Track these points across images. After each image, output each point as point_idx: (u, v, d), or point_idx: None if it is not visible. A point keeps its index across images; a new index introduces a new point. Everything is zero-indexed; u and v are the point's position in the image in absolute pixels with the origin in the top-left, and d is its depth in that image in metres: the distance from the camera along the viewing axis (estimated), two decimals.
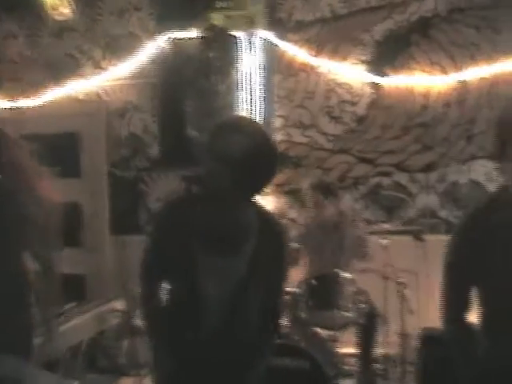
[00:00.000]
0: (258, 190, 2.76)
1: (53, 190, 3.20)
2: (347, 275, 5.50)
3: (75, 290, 6.81)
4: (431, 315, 5.79)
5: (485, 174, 6.61)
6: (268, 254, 2.90)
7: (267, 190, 7.10)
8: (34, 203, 3.00)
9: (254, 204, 2.94)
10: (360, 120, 7.06)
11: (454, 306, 2.84)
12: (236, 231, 2.87)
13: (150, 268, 3.09)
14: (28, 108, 7.72)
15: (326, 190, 6.08)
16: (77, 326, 4.79)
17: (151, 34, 7.46)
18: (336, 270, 5.60)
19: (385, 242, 5.97)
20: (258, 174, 2.71)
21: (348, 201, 6.96)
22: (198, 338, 2.93)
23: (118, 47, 7.65)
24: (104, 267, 7.30)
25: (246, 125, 2.81)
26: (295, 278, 5.38)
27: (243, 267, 2.88)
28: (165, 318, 3.07)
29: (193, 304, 2.93)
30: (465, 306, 2.81)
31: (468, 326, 2.82)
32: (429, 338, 5.36)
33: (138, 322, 5.88)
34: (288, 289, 5.18)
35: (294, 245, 5.95)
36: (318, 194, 6.09)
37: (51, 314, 3.41)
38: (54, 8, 7.36)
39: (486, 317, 2.76)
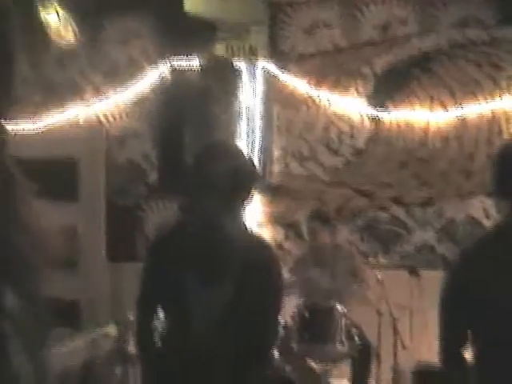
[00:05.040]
0: (240, 210, 2.86)
1: (45, 215, 3.17)
2: (341, 308, 5.48)
3: (69, 314, 6.80)
4: (424, 351, 5.79)
5: (483, 210, 6.61)
6: (258, 281, 2.90)
7: (263, 220, 7.04)
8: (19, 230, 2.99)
9: (244, 229, 2.99)
10: (359, 153, 7.08)
11: (451, 341, 2.84)
12: (221, 255, 2.88)
13: (145, 298, 3.11)
14: (28, 131, 7.72)
15: (323, 220, 6.08)
16: (69, 350, 4.76)
17: (153, 62, 7.49)
18: (330, 302, 5.59)
19: (380, 275, 5.95)
20: (238, 196, 2.81)
21: (345, 233, 6.95)
22: (187, 363, 2.93)
23: (120, 73, 7.68)
24: (99, 293, 7.27)
25: (224, 150, 2.94)
26: (288, 309, 5.37)
27: (232, 293, 2.89)
28: (157, 345, 3.08)
29: (183, 331, 2.94)
30: (461, 342, 2.80)
31: (464, 362, 2.82)
32: (423, 373, 5.33)
33: (131, 348, 5.85)
34: (281, 320, 5.16)
35: (288, 275, 5.94)
36: (315, 223, 6.08)
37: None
38: (58, 32, 7.38)
39: (478, 355, 2.75)
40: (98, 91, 7.75)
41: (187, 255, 2.89)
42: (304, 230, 6.31)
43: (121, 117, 7.67)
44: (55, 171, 7.42)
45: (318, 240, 6.08)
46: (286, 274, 5.92)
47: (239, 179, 2.81)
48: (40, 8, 7.20)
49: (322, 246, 6.07)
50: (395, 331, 5.77)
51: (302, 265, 6.19)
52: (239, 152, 3.09)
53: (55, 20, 7.26)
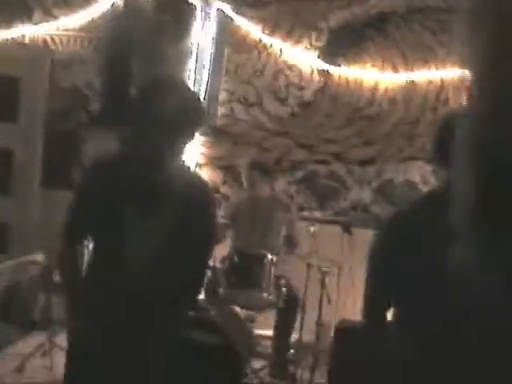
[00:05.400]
0: (182, 147, 2.83)
1: None
2: (271, 257, 5.51)
3: None
4: (349, 307, 5.88)
5: (421, 175, 6.68)
6: (193, 220, 2.90)
7: (203, 162, 6.99)
8: None
9: (183, 166, 2.97)
10: (305, 105, 7.06)
11: (374, 303, 2.86)
12: (161, 191, 2.86)
13: (73, 225, 3.05)
14: None
15: (262, 170, 6.07)
16: None
17: None
18: (261, 250, 5.61)
19: (313, 229, 5.98)
20: (182, 132, 2.78)
21: (283, 184, 6.97)
22: (114, 296, 2.91)
23: None
24: (30, 218, 7.17)
25: (171, 84, 2.90)
26: (219, 253, 5.37)
27: (167, 228, 2.87)
28: (83, 276, 3.05)
29: (114, 262, 2.91)
30: (384, 305, 2.82)
31: (384, 325, 2.84)
32: (344, 330, 5.40)
33: (56, 277, 5.80)
34: (210, 263, 5.16)
35: (223, 219, 5.95)
36: (254, 172, 6.07)
37: None
38: None
39: (399, 317, 2.78)
40: (47, 12, 7.55)
41: (125, 187, 2.85)
42: (243, 177, 6.29)
43: (68, 41, 7.49)
44: None
45: (255, 189, 6.08)
46: (220, 217, 5.95)
47: (185, 115, 2.79)
48: None
49: (258, 195, 6.08)
50: (322, 285, 5.82)
51: (238, 210, 6.19)
52: (187, 88, 3.07)
53: None
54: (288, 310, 5.77)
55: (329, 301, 5.87)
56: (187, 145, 2.88)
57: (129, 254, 2.88)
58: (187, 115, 2.80)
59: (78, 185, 3.12)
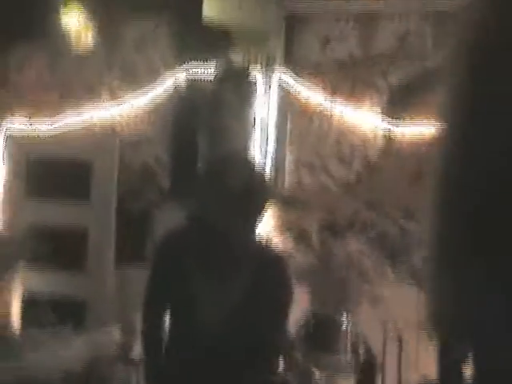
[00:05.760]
0: (252, 221, 2.86)
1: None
2: (348, 319, 5.46)
3: (74, 314, 6.82)
4: (429, 365, 5.75)
5: None
6: (267, 286, 2.93)
7: (274, 230, 7.02)
8: None
9: (256, 236, 3.01)
10: (370, 166, 7.07)
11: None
12: (232, 258, 2.90)
13: (153, 297, 3.12)
14: (43, 131, 7.79)
15: (333, 231, 6.08)
16: (73, 350, 4.77)
17: (170, 67, 7.53)
18: (338, 311, 5.57)
19: (388, 287, 5.93)
20: (251, 207, 2.82)
21: (355, 244, 6.94)
22: (193, 363, 2.94)
23: (136, 78, 7.72)
24: (106, 295, 7.29)
25: (239, 160, 2.97)
26: (295, 316, 5.35)
27: (240, 294, 2.90)
28: (163, 345, 3.09)
29: (192, 329, 2.95)
30: None
31: None
32: None
33: (135, 351, 5.86)
34: (286, 326, 5.14)
35: (297, 283, 5.94)
36: (325, 234, 6.09)
37: None
38: (77, 35, 7.45)
39: None
40: (114, 95, 7.80)
41: (197, 256, 2.91)
42: (314, 240, 6.30)
43: (135, 121, 7.70)
44: (69, 172, 7.49)
45: (328, 250, 6.09)
46: (294, 282, 5.94)
47: (251, 190, 2.84)
48: (61, 9, 7.28)
49: (331, 257, 6.08)
50: (400, 345, 5.73)
51: (311, 274, 6.19)
52: (252, 162, 3.13)
53: (75, 22, 7.33)
54: (367, 371, 5.69)
55: (408, 361, 5.77)
56: (258, 218, 2.93)
57: (206, 320, 2.93)
58: (253, 190, 2.86)
59: (152, 255, 3.20)
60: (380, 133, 7.04)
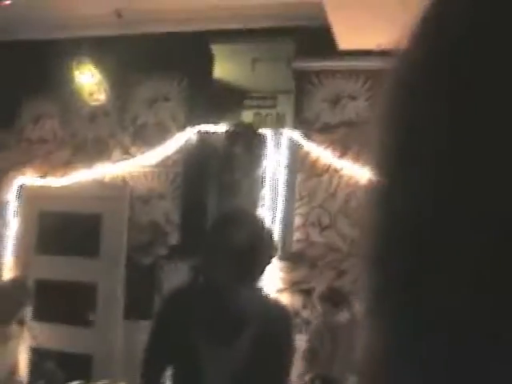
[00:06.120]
0: (256, 277, 2.88)
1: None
2: (353, 380, 5.43)
3: (82, 369, 6.82)
4: None
5: None
6: (270, 345, 2.93)
7: (282, 288, 7.02)
8: None
9: (259, 293, 3.02)
10: None
11: None
12: (236, 317, 2.91)
13: (153, 354, 3.12)
14: (55, 186, 7.87)
15: (338, 297, 6.07)
16: None
17: (180, 125, 7.63)
18: (343, 373, 5.54)
19: None
20: (255, 263, 2.84)
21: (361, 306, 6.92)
22: None
23: (147, 135, 7.82)
24: (113, 350, 7.29)
25: (243, 217, 2.99)
26: (301, 377, 5.34)
27: (244, 355, 2.90)
28: None
29: None
30: None
31: None
32: None
33: None
34: None
35: (302, 342, 5.92)
36: (329, 301, 6.08)
37: None
38: (90, 93, 7.56)
39: None
40: (125, 152, 7.88)
41: (201, 315, 2.92)
42: (321, 298, 6.29)
43: (146, 177, 7.78)
44: (79, 227, 7.56)
45: (332, 317, 6.07)
46: (302, 342, 5.92)
47: (256, 247, 2.86)
48: (74, 67, 7.40)
49: (337, 321, 6.06)
50: None
51: (317, 333, 6.17)
52: (258, 220, 3.16)
53: (88, 79, 7.45)
54: None
55: None
56: (262, 273, 2.95)
57: (207, 381, 2.92)
58: (258, 247, 2.88)
59: (155, 314, 3.23)
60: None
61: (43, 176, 8.04)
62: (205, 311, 2.93)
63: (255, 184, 7.18)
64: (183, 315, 2.97)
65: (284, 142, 7.29)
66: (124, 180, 7.82)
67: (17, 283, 6.53)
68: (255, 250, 2.88)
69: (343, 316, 6.07)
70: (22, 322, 6.19)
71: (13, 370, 6.06)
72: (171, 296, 3.24)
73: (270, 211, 7.16)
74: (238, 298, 2.90)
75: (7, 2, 6.80)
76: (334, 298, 6.06)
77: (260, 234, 2.95)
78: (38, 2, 7.25)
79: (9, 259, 7.85)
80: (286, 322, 3.14)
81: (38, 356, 6.38)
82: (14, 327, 6.23)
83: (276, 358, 2.98)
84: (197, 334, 2.92)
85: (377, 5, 5.54)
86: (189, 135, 7.46)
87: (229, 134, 7.16)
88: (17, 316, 6.21)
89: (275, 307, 3.15)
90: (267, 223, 3.22)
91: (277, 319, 3.02)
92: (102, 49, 7.40)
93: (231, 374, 2.91)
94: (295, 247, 7.29)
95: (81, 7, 7.41)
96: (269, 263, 2.97)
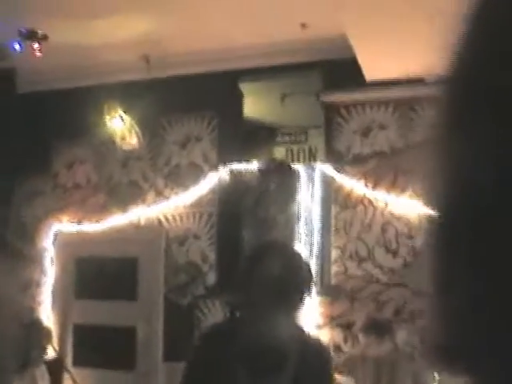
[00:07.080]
0: (295, 310, 2.86)
1: None
2: None
3: None
4: None
5: None
6: (310, 379, 2.89)
7: (321, 323, 6.99)
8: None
9: (298, 328, 3.00)
10: (417, 253, 7.03)
11: None
12: (275, 352, 2.88)
13: None
14: (91, 231, 7.93)
15: (379, 330, 6.02)
16: None
17: (212, 165, 7.67)
18: None
19: (439, 377, 5.82)
20: (293, 296, 2.82)
21: (404, 335, 6.85)
22: None
23: (180, 176, 7.87)
24: None
25: (279, 249, 2.97)
26: None
27: None
28: None
29: None
30: None
31: None
32: None
33: None
34: None
35: (344, 378, 5.87)
36: (370, 333, 6.03)
37: None
38: (123, 137, 7.64)
39: None
40: (159, 193, 7.93)
41: (238, 351, 2.89)
42: (362, 330, 6.25)
43: (180, 218, 7.81)
44: (116, 271, 7.60)
45: (375, 348, 6.03)
46: (344, 375, 5.88)
47: (294, 279, 2.85)
48: (105, 112, 7.49)
49: (379, 352, 6.01)
50: None
51: (361, 366, 6.12)
52: (295, 253, 3.13)
53: (119, 124, 7.53)
54: None
55: None
56: (301, 307, 2.92)
57: None
58: (295, 279, 2.86)
59: (193, 351, 3.20)
60: (424, 219, 7.01)
61: (79, 222, 8.11)
62: (243, 346, 2.90)
63: (290, 219, 7.18)
64: (220, 351, 2.94)
65: (317, 175, 7.28)
66: (159, 222, 7.86)
67: (35, 326, 6.57)
68: (293, 282, 2.86)
69: (386, 346, 6.02)
70: (57, 367, 6.21)
71: None
72: (208, 332, 3.22)
73: (307, 246, 7.15)
74: (276, 333, 2.87)
75: (38, 54, 6.92)
76: (376, 330, 6.01)
77: (297, 267, 2.93)
78: (68, 51, 7.36)
79: (48, 305, 7.91)
80: (326, 358, 3.11)
81: None
82: (43, 369, 6.27)
83: None
84: (235, 370, 2.89)
85: (401, 32, 5.55)
86: (221, 174, 7.49)
87: (262, 171, 7.18)
88: (39, 358, 6.24)
89: (313, 342, 3.12)
90: (304, 257, 3.18)
91: (316, 355, 2.99)
92: (132, 93, 7.49)
93: None
94: (334, 280, 7.25)
95: (110, 54, 7.52)
96: (308, 296, 2.95)
